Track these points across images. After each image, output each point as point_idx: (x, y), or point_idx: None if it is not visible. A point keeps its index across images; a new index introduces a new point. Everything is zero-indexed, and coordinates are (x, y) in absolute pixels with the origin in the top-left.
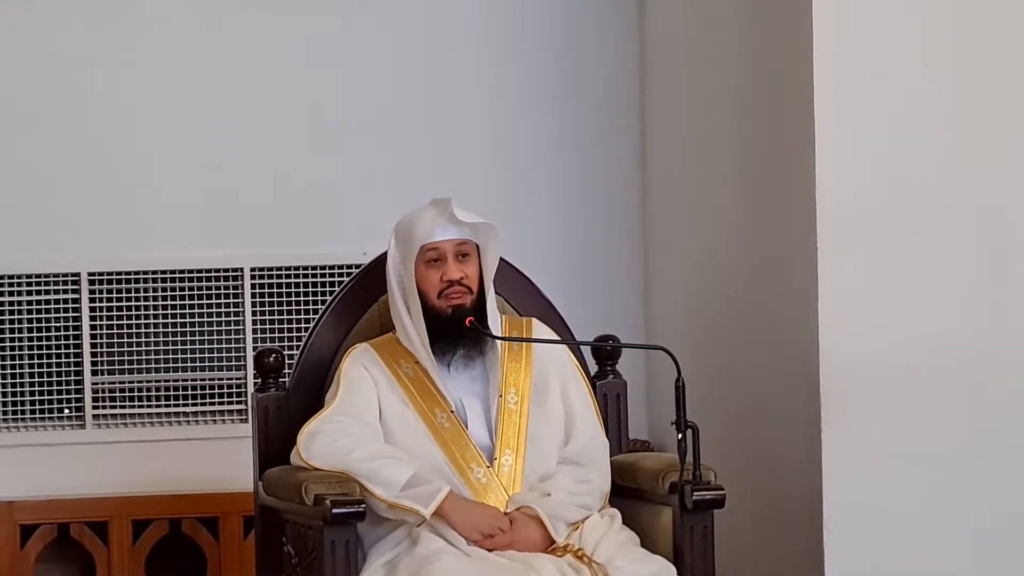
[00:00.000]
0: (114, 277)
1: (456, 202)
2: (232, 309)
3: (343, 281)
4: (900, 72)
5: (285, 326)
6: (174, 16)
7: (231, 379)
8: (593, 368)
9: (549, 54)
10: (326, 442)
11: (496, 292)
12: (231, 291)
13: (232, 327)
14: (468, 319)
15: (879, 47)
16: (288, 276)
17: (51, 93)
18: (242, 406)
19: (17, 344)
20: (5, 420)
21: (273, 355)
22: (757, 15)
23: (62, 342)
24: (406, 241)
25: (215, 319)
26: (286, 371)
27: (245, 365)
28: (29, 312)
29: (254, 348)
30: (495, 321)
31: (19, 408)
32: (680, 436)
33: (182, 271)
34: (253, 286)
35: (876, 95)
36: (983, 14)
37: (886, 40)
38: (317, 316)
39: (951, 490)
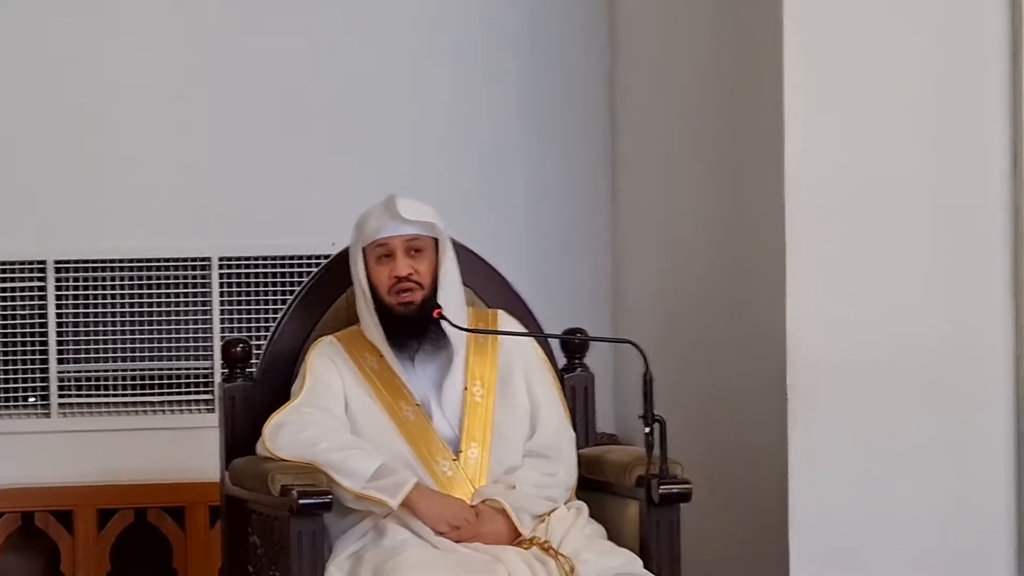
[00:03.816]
0: (81, 265)
1: (408, 197)
2: (200, 299)
3: (311, 272)
4: (868, 67)
5: (253, 316)
6: (144, 4)
7: (198, 369)
8: (561, 361)
9: (520, 48)
10: (293, 432)
11: (464, 284)
12: (199, 281)
13: (200, 317)
14: (436, 311)
15: (848, 42)
16: (256, 266)
17: (18, 80)
18: (209, 396)
19: None
20: None
21: (240, 345)
22: (727, 10)
23: (28, 330)
24: (356, 236)
25: (183, 308)
26: (253, 361)
27: (212, 355)
28: None
29: (221, 338)
30: (460, 313)
31: None
32: (647, 430)
33: (150, 260)
34: (221, 276)
35: (845, 90)
36: (951, 7)
37: (855, 35)
38: (285, 307)
39: (916, 485)
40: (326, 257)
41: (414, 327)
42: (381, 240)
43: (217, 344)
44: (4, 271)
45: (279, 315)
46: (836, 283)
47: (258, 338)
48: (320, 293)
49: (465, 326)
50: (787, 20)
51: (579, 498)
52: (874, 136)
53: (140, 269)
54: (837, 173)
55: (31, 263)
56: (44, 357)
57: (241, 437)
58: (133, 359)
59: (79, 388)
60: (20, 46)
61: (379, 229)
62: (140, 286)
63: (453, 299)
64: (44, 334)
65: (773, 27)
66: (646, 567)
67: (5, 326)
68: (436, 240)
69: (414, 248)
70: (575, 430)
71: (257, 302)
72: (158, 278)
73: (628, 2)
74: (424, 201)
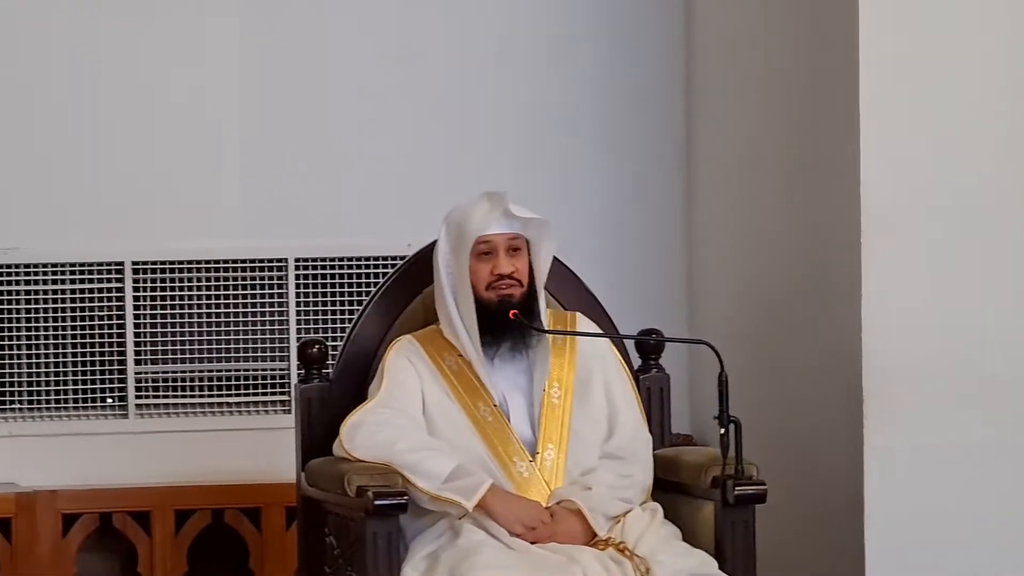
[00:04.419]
0: (158, 267)
1: (509, 196)
2: (276, 300)
3: (387, 273)
4: (946, 70)
5: (329, 317)
6: (221, 8)
7: (275, 370)
8: (636, 362)
9: (597, 47)
10: (369, 433)
11: None
12: (275, 281)
13: (276, 318)
14: (512, 312)
15: (925, 45)
16: (332, 267)
17: (97, 84)
18: (285, 397)
19: (61, 333)
20: (48, 409)
21: (317, 346)
22: (803, 10)
23: (106, 331)
24: (459, 233)
25: (259, 309)
26: (329, 362)
27: (289, 356)
28: (73, 301)
29: (298, 339)
30: (543, 316)
31: (62, 397)
32: (723, 431)
33: (227, 261)
34: (297, 277)
35: (922, 92)
36: None
37: (932, 38)
38: (361, 307)
39: (993, 489)
40: (402, 258)
41: (506, 323)
42: (485, 236)
43: (293, 345)
44: (82, 272)
45: (355, 316)
46: (911, 285)
47: (334, 339)
48: (396, 294)
49: (555, 330)
50: (863, 21)
51: (654, 499)
52: (950, 137)
53: (217, 270)
54: (912, 174)
55: (109, 264)
56: (122, 358)
57: (317, 438)
58: (210, 360)
59: (156, 389)
60: (104, 55)
61: (486, 225)
62: (217, 287)
63: (541, 303)
64: (122, 335)
65: (849, 28)
66: (721, 568)
67: (83, 327)
68: (527, 241)
69: (514, 247)
70: (650, 431)
71: (333, 303)
72: (235, 279)
73: (704, 1)
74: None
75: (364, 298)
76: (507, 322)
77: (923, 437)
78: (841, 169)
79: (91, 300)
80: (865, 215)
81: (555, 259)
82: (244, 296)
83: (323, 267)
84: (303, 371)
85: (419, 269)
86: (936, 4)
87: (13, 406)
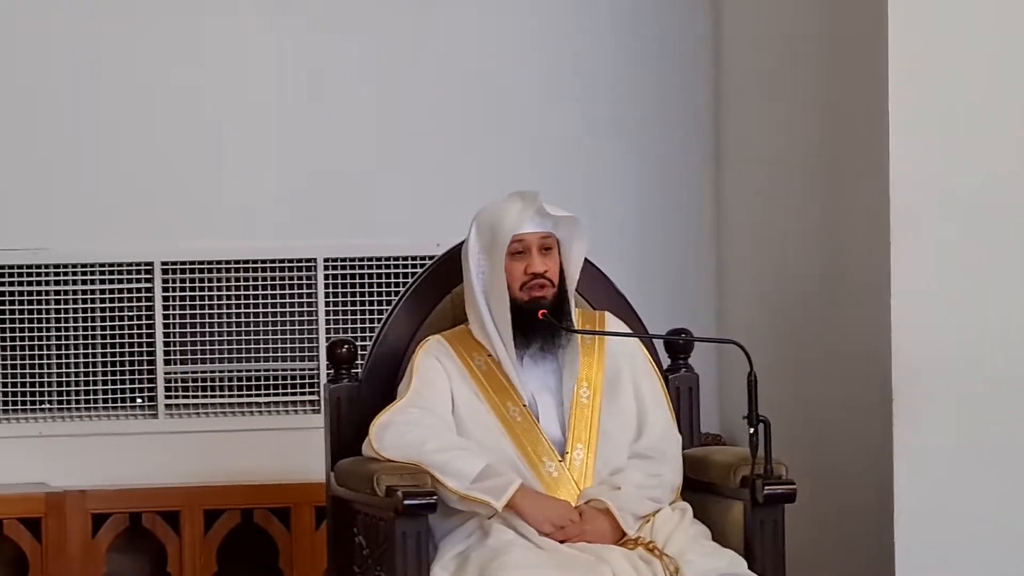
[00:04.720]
0: (187, 267)
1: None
2: (305, 299)
3: (416, 272)
4: (975, 69)
5: (358, 317)
6: (252, 8)
7: (303, 370)
8: (665, 362)
9: (625, 47)
10: (398, 433)
11: None
12: (304, 281)
13: (305, 317)
14: (541, 312)
15: (954, 44)
16: (361, 267)
17: (126, 85)
18: (314, 397)
19: (90, 333)
20: (78, 409)
21: (346, 346)
22: (832, 12)
23: (135, 331)
24: (492, 232)
25: (288, 309)
26: (358, 362)
27: (318, 356)
28: (102, 301)
29: (327, 339)
30: (573, 316)
31: (92, 397)
32: (752, 430)
33: (256, 261)
34: (326, 276)
35: (950, 91)
36: None
37: (961, 35)
38: (390, 307)
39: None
40: (431, 257)
41: (536, 323)
42: (519, 235)
43: (323, 345)
44: (112, 272)
45: (384, 316)
46: (940, 283)
47: (363, 339)
48: (425, 293)
49: (585, 330)
50: (892, 22)
51: (683, 499)
52: (979, 137)
53: (246, 270)
54: (941, 172)
55: (138, 264)
56: (151, 358)
57: (347, 438)
58: (239, 360)
59: (186, 389)
60: (129, 57)
61: (520, 224)
62: (246, 287)
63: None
64: (151, 335)
65: (878, 26)
66: (750, 568)
67: (113, 327)
68: (557, 240)
69: (546, 246)
70: (679, 431)
71: (362, 303)
72: (264, 279)
73: (732, 2)
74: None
75: (393, 298)
76: (537, 322)
77: (953, 436)
78: (870, 167)
79: (121, 300)
80: (894, 213)
81: (585, 259)
82: (273, 296)
83: (352, 267)
84: (332, 371)
85: (448, 269)
86: (965, 2)
87: (43, 406)
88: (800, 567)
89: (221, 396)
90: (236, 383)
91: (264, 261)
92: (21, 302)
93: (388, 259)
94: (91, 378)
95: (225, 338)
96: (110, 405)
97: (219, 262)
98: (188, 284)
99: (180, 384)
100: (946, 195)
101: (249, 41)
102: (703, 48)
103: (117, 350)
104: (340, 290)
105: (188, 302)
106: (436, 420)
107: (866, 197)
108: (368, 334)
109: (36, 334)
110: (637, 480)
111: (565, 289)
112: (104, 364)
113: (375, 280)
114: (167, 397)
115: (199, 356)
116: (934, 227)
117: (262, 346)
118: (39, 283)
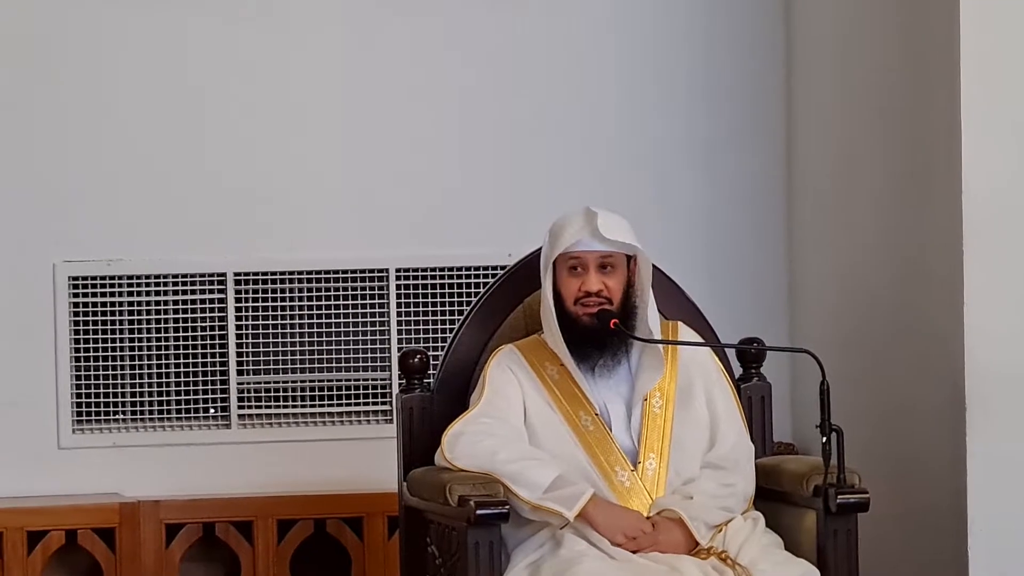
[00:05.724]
0: (260, 277)
1: (607, 211)
2: (377, 310)
3: (488, 283)
4: None
5: (430, 327)
6: (319, 21)
7: (376, 380)
8: (737, 371)
9: (694, 56)
10: (470, 443)
11: None
12: (376, 291)
13: (377, 327)
14: (613, 321)
15: None
16: (433, 277)
17: (195, 99)
18: (387, 407)
19: (164, 344)
20: (152, 420)
21: (418, 356)
22: (903, 13)
23: (208, 342)
24: (551, 244)
25: (360, 319)
26: (431, 372)
27: (390, 366)
28: (176, 312)
29: (399, 349)
30: (655, 326)
31: (165, 408)
32: (824, 439)
33: (327, 271)
34: (398, 287)
35: (1023, 93)
36: None
37: None
38: (462, 317)
39: None
40: (503, 268)
41: (596, 339)
42: (575, 253)
43: (395, 355)
44: (185, 283)
45: (456, 326)
46: (1015, 291)
47: (435, 349)
48: (497, 303)
49: (653, 339)
50: (964, 23)
51: (756, 508)
52: None
53: (318, 280)
54: (1016, 178)
55: (211, 275)
56: (224, 369)
57: (419, 448)
58: (312, 370)
59: (258, 399)
60: (199, 68)
61: (575, 243)
62: (319, 297)
63: (649, 315)
64: (224, 346)
65: (950, 30)
66: None
67: (186, 338)
68: (627, 255)
69: (607, 264)
70: (752, 440)
71: (434, 313)
72: (336, 289)
73: (805, 4)
74: (621, 215)
75: (465, 308)
76: (599, 337)
77: None
78: (942, 173)
79: (194, 311)
80: (967, 220)
81: (657, 269)
82: (345, 306)
83: (424, 277)
84: (404, 381)
85: (520, 279)
86: None
87: (117, 417)
88: None
89: (294, 406)
90: (308, 393)
91: (336, 271)
92: (95, 313)
93: (460, 269)
94: (165, 388)
95: (297, 348)
96: (184, 415)
97: (291, 272)
98: (261, 294)
99: (253, 394)
100: (1020, 201)
101: (331, 54)
102: (774, 52)
103: (190, 360)
104: (412, 300)
105: (261, 312)
106: (508, 430)
107: (938, 204)
108: (440, 344)
109: (110, 345)
110: (710, 490)
111: (633, 304)
112: (177, 375)
113: (447, 290)
114: (240, 407)
115: (272, 366)
116: (1007, 234)
117: (334, 356)
118: (113, 294)
